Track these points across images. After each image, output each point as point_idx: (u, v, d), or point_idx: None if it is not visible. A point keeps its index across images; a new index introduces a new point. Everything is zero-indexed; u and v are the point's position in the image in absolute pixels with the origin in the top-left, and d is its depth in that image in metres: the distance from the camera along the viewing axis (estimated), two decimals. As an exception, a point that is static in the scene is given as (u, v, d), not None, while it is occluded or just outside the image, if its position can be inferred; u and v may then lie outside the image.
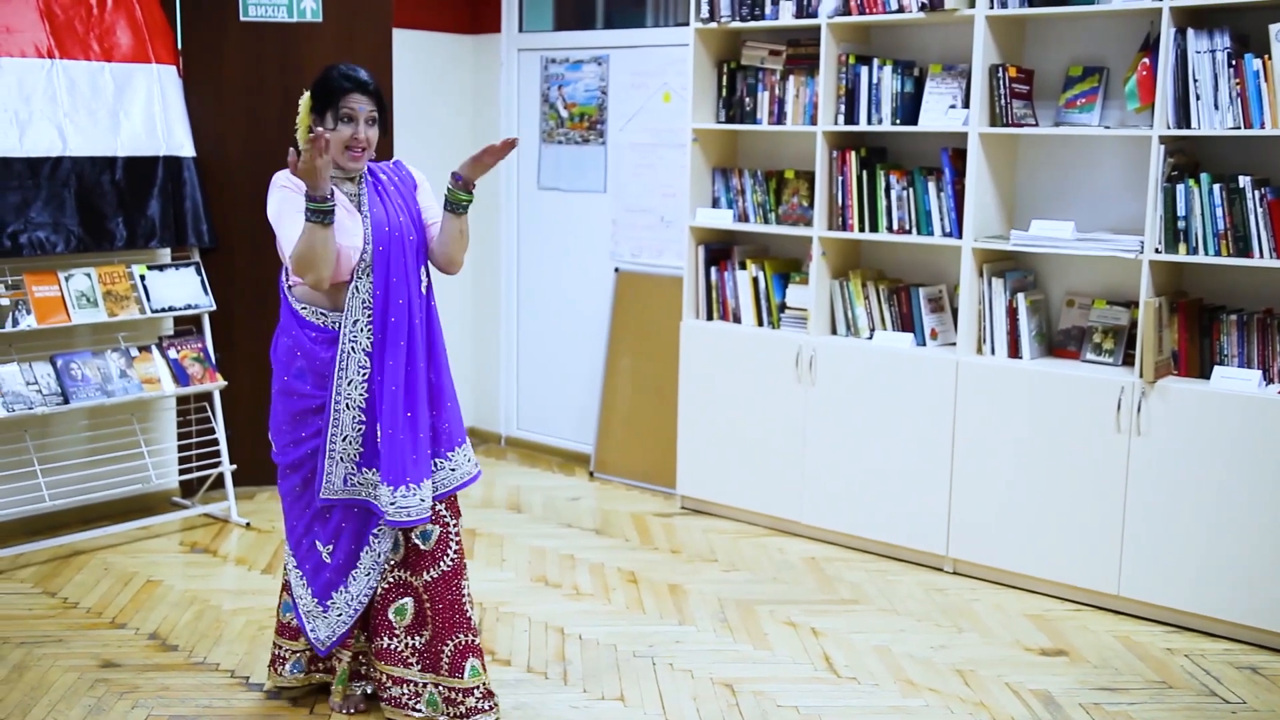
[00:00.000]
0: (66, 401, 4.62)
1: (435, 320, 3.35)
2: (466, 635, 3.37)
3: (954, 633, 4.13)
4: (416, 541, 3.33)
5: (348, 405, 3.26)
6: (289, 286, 3.30)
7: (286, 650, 3.54)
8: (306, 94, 3.28)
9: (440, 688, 3.37)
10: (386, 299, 3.22)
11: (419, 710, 3.38)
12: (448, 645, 3.35)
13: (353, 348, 3.24)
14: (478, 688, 3.37)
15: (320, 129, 3.02)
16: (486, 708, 3.37)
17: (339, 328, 3.23)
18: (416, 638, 3.38)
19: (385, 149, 5.51)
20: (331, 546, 3.36)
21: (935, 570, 4.70)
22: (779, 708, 3.57)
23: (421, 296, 3.30)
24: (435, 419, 3.33)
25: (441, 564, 3.35)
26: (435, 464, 3.33)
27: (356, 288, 3.21)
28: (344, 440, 3.28)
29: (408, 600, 3.37)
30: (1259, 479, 3.95)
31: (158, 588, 4.44)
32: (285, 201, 3.20)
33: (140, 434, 5.10)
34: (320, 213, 3.04)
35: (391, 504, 3.23)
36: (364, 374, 3.24)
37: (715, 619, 4.22)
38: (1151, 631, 4.15)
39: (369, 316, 3.22)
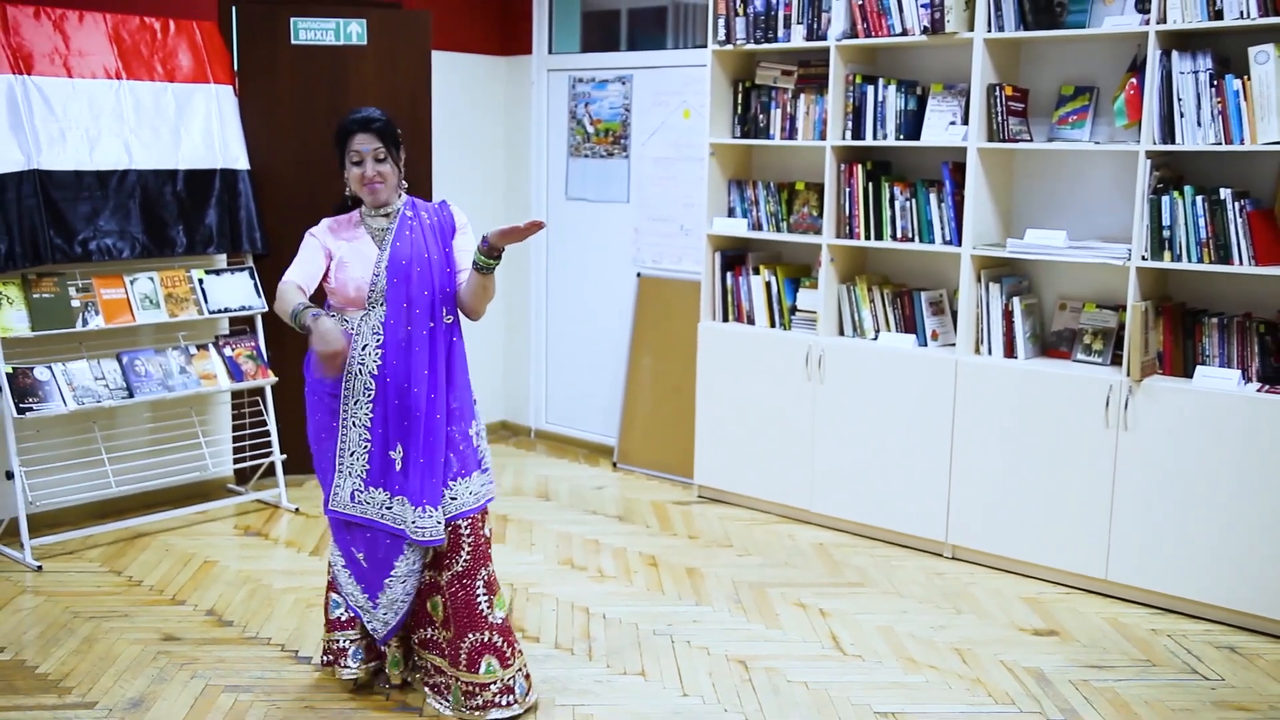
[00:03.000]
0: (131, 395, 4.69)
1: (457, 351, 3.30)
2: (482, 633, 3.29)
3: (953, 614, 4.14)
4: None
5: (354, 423, 3.25)
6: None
7: (345, 640, 3.46)
8: None
9: (460, 681, 3.32)
10: (408, 329, 3.19)
11: (447, 701, 3.36)
12: (465, 642, 3.30)
13: (360, 369, 3.22)
14: (494, 683, 3.29)
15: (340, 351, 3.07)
16: (504, 703, 3.29)
17: (349, 325, 3.23)
18: (447, 631, 3.36)
19: (424, 164, 5.58)
20: (363, 553, 3.34)
21: (935, 556, 4.70)
22: (789, 683, 3.59)
23: (445, 328, 3.26)
24: (452, 446, 3.28)
25: (455, 565, 3.30)
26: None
27: (368, 314, 3.21)
28: (350, 455, 3.27)
29: (438, 597, 3.36)
30: (1238, 471, 3.96)
31: (214, 567, 4.50)
32: (305, 244, 3.29)
33: (198, 425, 5.16)
34: (304, 326, 3.10)
35: (414, 523, 3.21)
36: (369, 395, 3.22)
37: (730, 600, 4.24)
38: (1137, 613, 4.16)
39: (379, 341, 3.20)
